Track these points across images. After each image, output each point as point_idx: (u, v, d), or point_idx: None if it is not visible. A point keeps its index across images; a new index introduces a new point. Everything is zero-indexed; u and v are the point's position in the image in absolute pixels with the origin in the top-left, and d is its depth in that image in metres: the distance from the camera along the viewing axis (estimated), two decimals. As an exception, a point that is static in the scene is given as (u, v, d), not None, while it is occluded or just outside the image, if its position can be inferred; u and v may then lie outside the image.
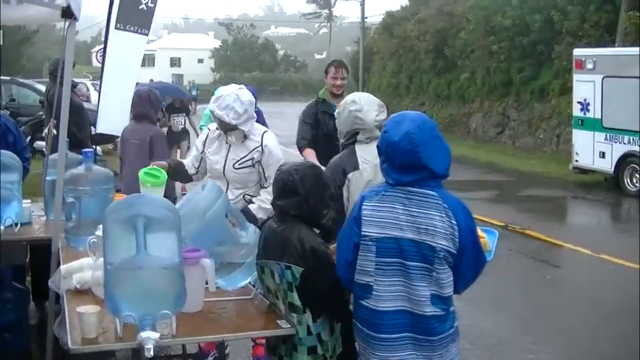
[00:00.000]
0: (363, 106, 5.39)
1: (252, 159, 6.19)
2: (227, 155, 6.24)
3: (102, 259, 3.95)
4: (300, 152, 8.00)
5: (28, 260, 6.99)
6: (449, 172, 4.06)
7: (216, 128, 6.34)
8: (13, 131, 7.68)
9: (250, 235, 4.72)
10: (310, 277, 4.17)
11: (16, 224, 6.20)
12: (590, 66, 19.01)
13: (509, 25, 29.25)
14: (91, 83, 32.86)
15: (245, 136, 6.19)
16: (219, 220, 4.58)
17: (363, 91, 48.87)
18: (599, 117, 18.74)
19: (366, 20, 55.41)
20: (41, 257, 6.10)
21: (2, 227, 5.98)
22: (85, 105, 12.77)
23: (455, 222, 3.91)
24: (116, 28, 8.56)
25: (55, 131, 6.93)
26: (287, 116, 39.11)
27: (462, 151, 25.93)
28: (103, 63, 9.05)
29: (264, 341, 5.35)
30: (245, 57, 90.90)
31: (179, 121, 16.93)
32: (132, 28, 8.68)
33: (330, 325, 4.28)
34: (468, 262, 3.98)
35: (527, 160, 25.09)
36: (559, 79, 26.61)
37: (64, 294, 4.55)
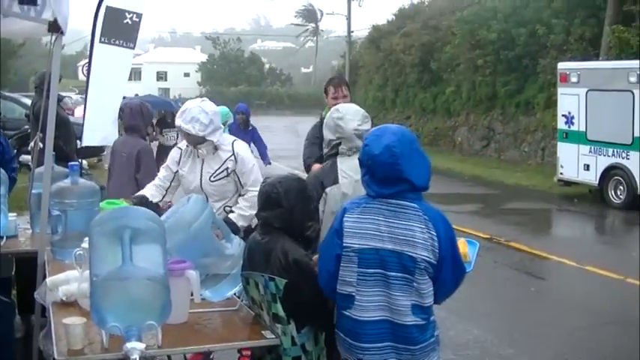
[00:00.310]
0: (345, 114, 5.34)
1: (227, 169, 6.26)
2: (202, 170, 6.30)
3: (88, 271, 3.97)
4: (307, 171, 7.70)
5: (13, 273, 6.99)
6: (429, 184, 4.12)
7: (187, 146, 6.39)
8: (1, 141, 7.70)
9: (235, 246, 4.77)
10: (294, 289, 4.21)
11: (2, 237, 6.21)
12: (574, 79, 19.13)
13: (494, 39, 29.39)
14: (80, 97, 32.78)
15: (216, 148, 6.25)
16: (205, 231, 4.63)
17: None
18: (584, 130, 18.84)
19: (352, 34, 55.47)
20: (27, 270, 6.10)
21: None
22: (70, 119, 12.79)
23: (435, 233, 3.98)
24: (101, 41, 8.57)
25: (41, 144, 6.95)
26: (274, 130, 39.17)
27: (448, 165, 26.03)
28: (88, 76, 9.07)
29: (249, 352, 5.38)
30: (231, 71, 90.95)
31: (171, 136, 16.88)
32: (117, 42, 8.70)
33: (315, 336, 4.33)
34: (447, 272, 4.04)
35: (512, 172, 25.17)
36: (544, 92, 26.74)
37: (50, 306, 4.57)
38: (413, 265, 3.94)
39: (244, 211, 6.21)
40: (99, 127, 9.01)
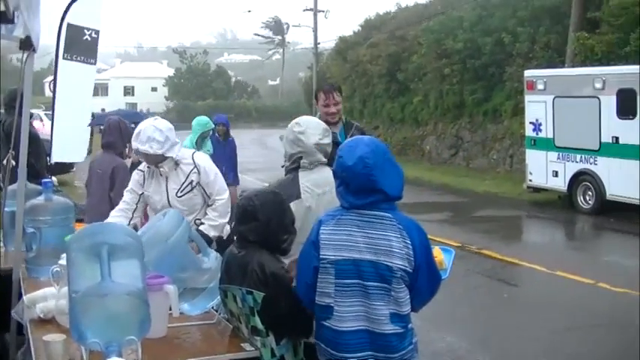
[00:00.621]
0: (306, 128, 5.22)
1: (192, 182, 6.27)
2: (167, 187, 6.31)
3: (66, 288, 3.97)
4: None
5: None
6: (402, 194, 4.17)
7: (148, 166, 6.41)
8: None
9: (212, 260, 4.80)
10: (272, 302, 4.22)
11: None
12: (541, 87, 19.32)
13: (460, 48, 29.60)
14: (44, 113, 32.60)
15: (177, 163, 6.26)
16: (182, 246, 4.64)
17: (316, 115, 49.09)
18: (552, 136, 19.02)
19: (318, 46, 55.60)
20: (1, 289, 6.07)
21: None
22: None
23: (410, 242, 4.02)
24: (64, 58, 8.56)
25: (13, 162, 6.92)
26: (242, 143, 39.01)
27: (417, 174, 26.13)
28: (54, 92, 9.06)
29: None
30: (198, 84, 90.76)
31: None
32: (79, 58, 8.68)
33: (294, 347, 4.35)
34: (423, 280, 4.09)
35: (481, 180, 25.33)
36: (511, 100, 26.94)
37: (27, 324, 4.57)
38: (390, 274, 3.99)
39: (213, 221, 6.25)
40: (67, 143, 8.99)
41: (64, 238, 5.36)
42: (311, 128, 5.24)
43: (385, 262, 3.99)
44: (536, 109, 19.51)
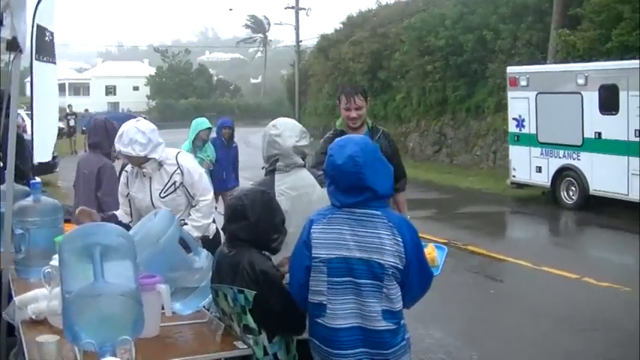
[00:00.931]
0: (282, 131, 5.22)
1: (175, 183, 6.28)
2: (150, 187, 6.32)
3: (57, 289, 3.97)
4: None
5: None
6: (392, 192, 4.22)
7: (132, 167, 6.42)
8: None
9: (203, 259, 4.80)
10: (263, 300, 4.25)
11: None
12: (524, 83, 19.38)
13: (442, 45, 29.65)
14: (26, 113, 32.48)
15: (160, 164, 6.27)
16: (173, 245, 4.65)
17: (299, 113, 48.75)
18: (535, 132, 19.10)
19: (300, 43, 55.60)
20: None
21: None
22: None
23: (400, 239, 4.07)
24: (36, 58, 8.59)
25: (1, 163, 6.90)
26: (226, 141, 38.82)
27: (401, 171, 26.11)
28: (31, 93, 9.07)
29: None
30: (181, 83, 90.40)
31: None
32: (45, 59, 8.72)
33: (286, 345, 4.37)
34: (414, 276, 4.13)
35: (465, 177, 25.39)
36: (494, 96, 27.01)
37: (19, 325, 4.56)
38: (381, 271, 4.03)
39: (197, 221, 6.26)
40: (43, 144, 9.00)
41: (53, 239, 5.38)
42: (288, 130, 5.24)
43: (377, 260, 4.03)
44: (519, 105, 19.58)
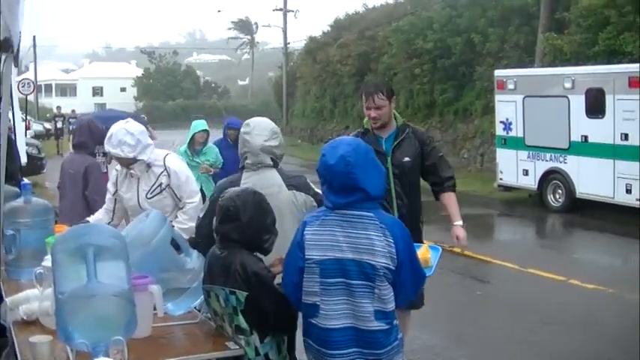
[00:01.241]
0: (252, 129, 5.29)
1: (161, 184, 6.34)
2: (138, 188, 6.37)
3: (49, 290, 3.99)
4: None
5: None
6: (383, 193, 4.26)
7: (121, 167, 6.45)
8: None
9: (195, 260, 4.83)
10: (255, 301, 4.28)
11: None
12: (511, 86, 19.43)
13: (430, 48, 29.69)
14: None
15: (149, 165, 6.31)
16: (164, 246, 4.68)
17: (287, 115, 48.65)
18: (522, 136, 19.15)
19: (288, 46, 55.61)
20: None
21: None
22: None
23: (392, 240, 4.10)
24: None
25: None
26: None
27: (389, 173, 26.13)
28: (10, 93, 9.11)
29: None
30: (168, 84, 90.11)
31: None
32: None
33: (278, 345, 4.40)
34: (406, 277, 4.16)
35: (452, 179, 25.35)
36: (481, 99, 27.08)
37: (11, 325, 4.57)
38: (373, 272, 4.06)
39: (183, 224, 6.27)
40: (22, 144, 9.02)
41: (43, 240, 5.39)
42: (257, 129, 5.30)
43: (368, 261, 4.06)
44: (507, 108, 19.63)
